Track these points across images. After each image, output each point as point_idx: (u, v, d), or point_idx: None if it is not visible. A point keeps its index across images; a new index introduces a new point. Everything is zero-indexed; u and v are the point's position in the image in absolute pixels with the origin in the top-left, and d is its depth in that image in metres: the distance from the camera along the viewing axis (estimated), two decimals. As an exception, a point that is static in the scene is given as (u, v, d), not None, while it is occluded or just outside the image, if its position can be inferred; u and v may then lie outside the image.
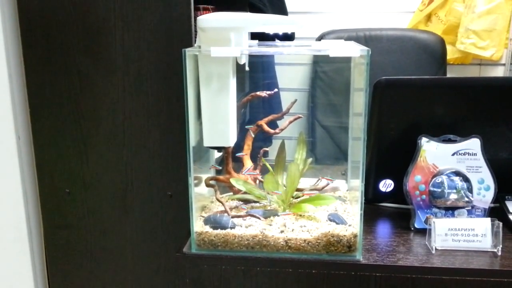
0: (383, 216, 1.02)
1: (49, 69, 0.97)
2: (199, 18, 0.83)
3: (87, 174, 1.02)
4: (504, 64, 2.17)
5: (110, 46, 0.96)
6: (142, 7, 0.93)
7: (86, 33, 0.95)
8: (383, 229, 0.96)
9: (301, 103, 2.15)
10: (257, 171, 0.95)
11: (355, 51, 0.77)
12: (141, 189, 1.02)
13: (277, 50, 0.87)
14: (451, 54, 2.12)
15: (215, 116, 0.87)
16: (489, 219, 0.86)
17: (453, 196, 0.92)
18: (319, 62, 2.04)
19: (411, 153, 0.95)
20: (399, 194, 0.96)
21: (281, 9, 1.67)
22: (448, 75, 2.13)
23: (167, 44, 0.95)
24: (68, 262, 1.07)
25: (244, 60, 0.89)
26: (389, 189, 1.03)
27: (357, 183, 0.85)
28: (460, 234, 0.86)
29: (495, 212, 0.95)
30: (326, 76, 2.13)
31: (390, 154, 1.01)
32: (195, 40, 0.95)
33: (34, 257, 1.07)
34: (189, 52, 0.79)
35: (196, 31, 0.88)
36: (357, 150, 0.94)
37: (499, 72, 2.19)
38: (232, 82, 0.87)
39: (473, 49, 2.05)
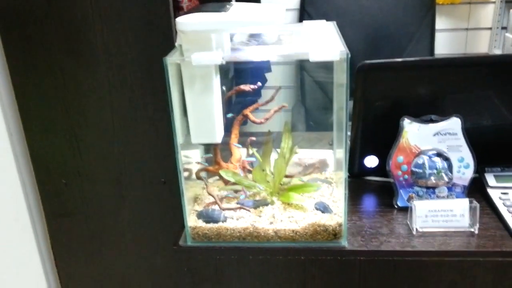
0: (368, 191, 1.07)
1: (32, 68, 0.98)
2: (178, 20, 0.82)
3: (81, 165, 1.06)
4: (494, 2, 2.14)
5: (91, 43, 0.95)
6: (121, 3, 0.92)
7: (65, 31, 0.95)
8: (368, 208, 1.00)
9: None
10: (247, 159, 0.98)
11: (335, 54, 0.77)
12: (134, 177, 1.06)
13: (258, 54, 0.86)
14: (441, -6, 2.09)
15: (201, 115, 0.89)
16: (467, 200, 0.91)
17: (434, 177, 0.96)
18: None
19: (395, 130, 0.97)
20: (383, 169, 0.99)
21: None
22: (437, 16, 2.11)
23: (147, 37, 0.95)
24: (72, 247, 1.13)
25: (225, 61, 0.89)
26: (373, 165, 1.07)
27: (341, 154, 0.87)
28: (440, 215, 0.91)
29: (475, 183, 0.99)
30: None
31: (375, 132, 1.03)
32: (175, 32, 0.94)
33: (40, 245, 1.13)
34: (170, 61, 0.79)
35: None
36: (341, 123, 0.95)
37: (489, 11, 2.16)
38: (216, 81, 0.88)
39: (463, -10, 2.02)
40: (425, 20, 2.10)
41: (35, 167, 1.06)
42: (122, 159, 1.03)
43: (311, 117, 2.04)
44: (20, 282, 1.18)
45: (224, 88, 1.04)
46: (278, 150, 1.00)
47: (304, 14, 2.10)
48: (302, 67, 2.05)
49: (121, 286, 1.16)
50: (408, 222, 0.93)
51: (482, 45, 2.22)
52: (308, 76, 2.09)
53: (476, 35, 2.21)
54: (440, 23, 2.17)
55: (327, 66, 0.99)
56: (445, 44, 2.22)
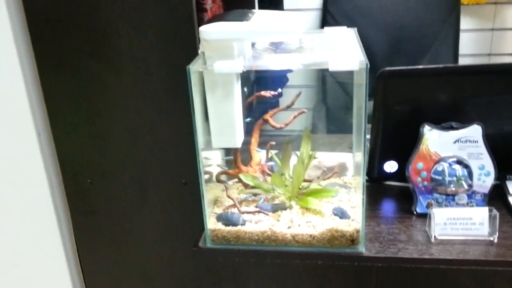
0: (387, 196, 1.07)
1: (62, 72, 1.01)
2: (201, 29, 0.84)
3: (106, 166, 1.09)
4: (522, 3, 2.10)
5: (118, 49, 0.98)
6: (146, 9, 0.94)
7: (94, 37, 0.97)
8: (386, 213, 1.01)
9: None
10: (266, 164, 1.00)
11: (354, 64, 0.78)
12: (156, 179, 1.09)
13: (278, 63, 0.87)
14: (466, -6, 2.06)
15: (222, 120, 0.90)
16: (486, 208, 0.90)
17: (453, 184, 0.96)
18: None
19: (415, 136, 0.97)
20: (402, 174, 0.99)
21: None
22: (462, 16, 2.08)
23: (171, 43, 0.97)
24: (95, 243, 1.17)
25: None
26: (393, 170, 1.07)
27: (360, 158, 0.88)
28: (459, 223, 0.91)
29: (496, 190, 0.99)
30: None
31: (395, 137, 1.03)
32: (199, 39, 0.96)
33: (65, 241, 1.17)
34: (193, 69, 0.81)
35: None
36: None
37: (515, 11, 2.12)
38: (237, 87, 0.89)
39: (489, -10, 1.99)
40: (449, 20, 2.07)
41: (62, 166, 1.10)
42: (145, 160, 1.06)
43: (332, 117, 2.04)
44: (45, 276, 1.22)
45: (245, 89, 1.05)
46: (298, 152, 1.01)
47: (327, 14, 2.10)
48: (324, 67, 2.04)
49: (142, 283, 1.19)
50: (427, 229, 0.93)
51: (508, 46, 2.18)
52: (329, 76, 2.08)
53: (501, 36, 2.17)
54: (465, 23, 2.13)
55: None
56: (469, 45, 2.19)
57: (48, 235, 1.16)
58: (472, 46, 2.20)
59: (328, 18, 2.10)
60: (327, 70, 0.81)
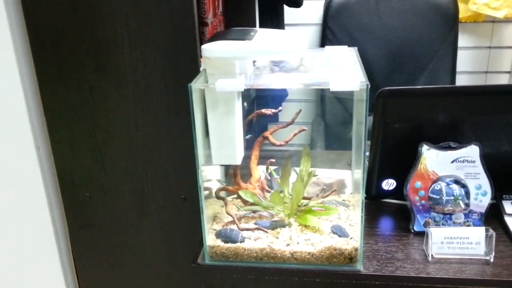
0: (385, 214, 1.08)
1: (62, 86, 1.01)
2: (204, 47, 0.85)
3: (105, 180, 1.09)
4: (518, 21, 2.13)
5: (119, 63, 0.99)
6: (148, 24, 0.95)
7: (95, 51, 0.98)
8: (384, 231, 1.01)
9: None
10: (266, 181, 1.01)
11: (355, 85, 0.79)
12: (156, 193, 1.09)
13: (279, 82, 0.88)
14: (463, 12, 2.09)
15: (222, 137, 0.91)
16: (483, 228, 0.91)
17: (451, 204, 0.96)
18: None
19: (413, 155, 0.98)
20: (401, 192, 1.00)
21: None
22: (460, 34, 2.11)
23: (173, 59, 0.97)
24: (93, 259, 1.17)
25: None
26: (391, 188, 1.08)
27: (359, 175, 0.89)
28: (456, 242, 0.92)
29: (492, 209, 0.99)
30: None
31: (393, 155, 1.04)
32: (201, 55, 0.97)
33: (62, 254, 1.17)
34: (195, 87, 0.82)
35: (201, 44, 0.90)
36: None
37: (512, 30, 2.15)
38: (238, 105, 0.90)
39: (486, 10, 2.02)
40: (448, 38, 2.10)
41: (61, 180, 1.10)
42: (144, 175, 1.07)
43: (331, 132, 2.05)
44: (42, 289, 1.22)
45: (245, 104, 1.06)
46: (297, 168, 1.01)
47: (326, 29, 2.12)
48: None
49: (139, 298, 1.19)
50: (424, 247, 0.94)
51: (505, 64, 2.21)
52: (329, 92, 2.09)
53: (498, 54, 2.20)
54: (463, 40, 2.16)
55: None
56: (467, 62, 2.22)
57: (46, 248, 1.16)
58: (470, 63, 2.23)
59: (327, 33, 2.12)
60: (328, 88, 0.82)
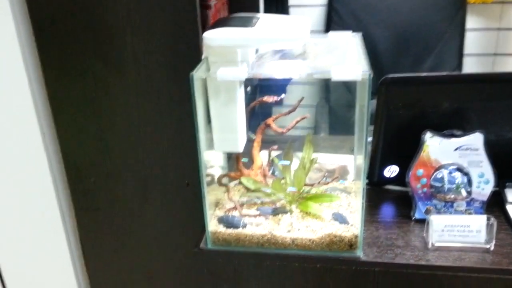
0: (386, 201, 1.08)
1: (66, 73, 1.02)
2: (205, 35, 0.84)
3: (109, 166, 1.10)
4: (528, 2, 2.09)
5: (121, 51, 0.99)
6: (149, 13, 0.95)
7: (98, 40, 0.98)
8: (385, 218, 1.02)
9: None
10: (268, 168, 1.01)
11: (357, 74, 0.79)
12: (159, 179, 1.10)
13: (281, 71, 0.88)
14: (472, -7, 2.06)
15: (224, 125, 0.92)
16: (484, 216, 0.91)
17: (452, 192, 0.96)
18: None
19: (416, 142, 0.98)
20: (403, 178, 1.00)
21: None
22: (468, 15, 2.07)
23: (175, 47, 0.97)
24: (99, 240, 1.19)
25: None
26: (393, 175, 1.08)
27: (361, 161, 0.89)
28: (456, 230, 0.92)
29: (495, 197, 0.99)
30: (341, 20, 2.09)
31: (396, 142, 1.04)
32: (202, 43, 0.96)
33: (69, 237, 1.19)
34: (196, 76, 0.82)
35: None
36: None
37: (522, 11, 2.12)
38: (240, 93, 0.90)
39: (495, -10, 1.98)
40: (456, 19, 2.07)
41: (66, 166, 1.11)
42: (147, 161, 1.07)
43: (335, 115, 2.04)
44: (49, 272, 1.24)
45: (248, 89, 1.06)
46: (299, 153, 1.01)
47: (332, 10, 2.10)
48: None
49: (145, 281, 1.21)
50: (425, 235, 0.94)
51: (513, 46, 2.18)
52: (334, 74, 2.08)
53: (507, 36, 2.16)
54: (471, 22, 2.13)
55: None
56: (475, 44, 2.19)
57: (53, 231, 1.18)
58: (478, 45, 2.20)
59: (333, 15, 2.10)
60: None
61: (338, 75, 0.78)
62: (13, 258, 1.24)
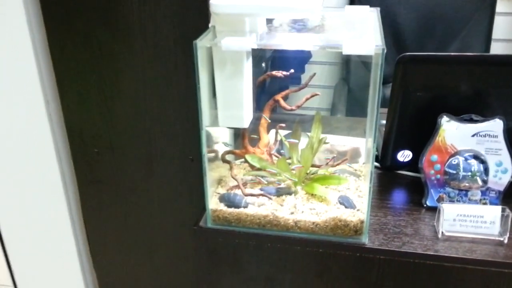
0: (397, 186, 1.04)
1: (71, 40, 0.99)
2: (212, 2, 0.80)
3: (113, 137, 1.08)
4: None
5: (128, 18, 0.95)
6: (157, -21, 0.91)
7: (104, 5, 0.95)
8: (395, 204, 0.98)
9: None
10: (276, 146, 0.97)
11: (370, 49, 0.74)
12: (163, 153, 1.07)
13: (291, 42, 0.83)
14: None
15: (230, 99, 0.88)
16: (499, 207, 0.87)
17: (467, 180, 0.92)
18: None
19: (432, 126, 0.93)
20: (416, 164, 0.96)
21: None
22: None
23: (183, 15, 0.93)
24: (101, 213, 1.17)
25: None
26: (407, 159, 1.04)
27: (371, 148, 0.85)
28: (469, 220, 0.87)
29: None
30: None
31: (411, 125, 0.99)
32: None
33: (71, 207, 1.17)
34: (200, 44, 0.78)
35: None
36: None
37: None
38: (247, 65, 0.86)
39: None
40: (485, 1, 1.98)
41: (70, 135, 1.09)
42: (152, 133, 1.05)
43: (353, 97, 1.99)
44: (51, 242, 1.23)
45: (263, 65, 1.02)
46: (309, 133, 0.98)
47: (355, -12, 2.02)
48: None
49: (146, 255, 1.19)
50: (435, 224, 0.90)
51: (545, 32, 2.08)
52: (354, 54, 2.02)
53: (539, 21, 2.07)
54: (502, 5, 2.03)
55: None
56: (504, 29, 2.09)
57: (55, 201, 1.17)
58: (507, 30, 2.10)
59: (355, -9, 2.02)
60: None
61: (349, 49, 0.74)
62: (14, 229, 1.23)
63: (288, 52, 0.94)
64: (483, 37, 2.01)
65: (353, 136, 1.19)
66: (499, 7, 2.00)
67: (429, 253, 0.84)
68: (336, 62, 2.16)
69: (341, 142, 1.15)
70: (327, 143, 0.96)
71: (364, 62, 1.95)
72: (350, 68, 2.06)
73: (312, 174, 0.95)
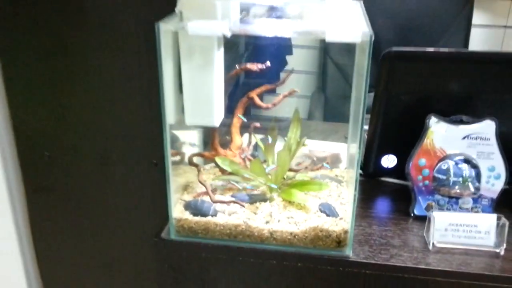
0: (382, 194, 0.96)
1: (17, 27, 0.88)
2: (178, -18, 0.71)
3: (66, 138, 0.97)
4: (538, -1, 1.99)
5: (83, 5, 0.85)
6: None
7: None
8: (380, 213, 0.90)
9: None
10: (249, 148, 0.88)
11: (356, 36, 0.65)
12: (123, 156, 0.97)
13: (267, 28, 0.75)
14: (480, -13, 1.95)
15: (198, 94, 0.78)
16: (494, 216, 0.79)
17: (458, 186, 0.84)
18: None
19: (419, 129, 0.86)
20: (401, 170, 0.88)
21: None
22: (475, 10, 1.97)
23: (146, 1, 0.84)
24: (52, 226, 1.06)
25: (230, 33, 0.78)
26: (391, 165, 0.96)
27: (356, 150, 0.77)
28: (462, 230, 0.80)
29: (505, 196, 0.87)
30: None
31: (396, 128, 0.92)
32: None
33: (17, 220, 1.05)
34: (164, 27, 0.68)
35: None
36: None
37: (532, 8, 2.01)
38: (218, 55, 0.77)
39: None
40: (462, 13, 1.97)
41: (17, 136, 0.98)
42: (111, 134, 0.94)
43: (331, 106, 1.93)
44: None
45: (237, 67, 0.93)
46: (286, 138, 0.89)
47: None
48: (326, 51, 1.92)
49: (102, 273, 1.07)
50: (425, 234, 0.82)
51: (521, 44, 2.07)
52: (331, 63, 1.97)
53: (515, 34, 2.06)
54: (477, 18, 2.03)
55: (353, 51, 0.89)
56: (480, 41, 2.08)
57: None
58: (483, 42, 2.09)
59: None
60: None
61: (333, 35, 0.65)
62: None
63: (266, 43, 0.85)
64: (459, 48, 1.99)
65: (332, 141, 1.11)
66: (476, 20, 1.99)
67: (420, 266, 0.76)
68: (312, 71, 2.09)
69: (319, 147, 1.07)
70: (305, 145, 0.87)
71: (342, 69, 1.90)
72: (327, 77, 2.01)
73: (290, 179, 0.86)
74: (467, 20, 1.97)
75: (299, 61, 2.01)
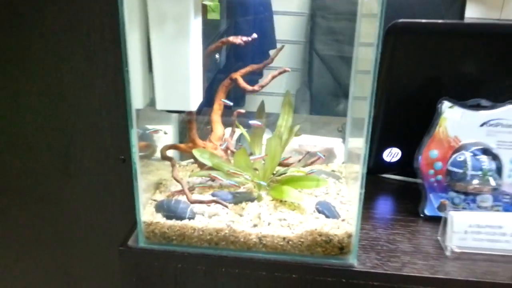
0: (387, 193, 0.86)
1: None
2: None
3: (21, 132, 0.84)
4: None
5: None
6: None
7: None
8: (384, 214, 0.78)
9: (297, 29, 1.95)
10: (232, 138, 0.75)
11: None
12: (85, 151, 0.85)
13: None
14: (473, -20, 1.89)
15: (171, 72, 0.65)
16: (522, 214, 0.68)
17: (477, 180, 0.74)
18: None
19: (426, 117, 0.77)
20: (406, 165, 0.79)
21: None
22: (468, 3, 1.92)
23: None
24: (3, 232, 0.92)
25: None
26: (395, 159, 0.86)
27: (357, 143, 0.68)
28: (484, 233, 0.69)
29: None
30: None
31: (401, 117, 0.83)
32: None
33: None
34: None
35: None
36: (359, 109, 0.75)
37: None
38: (195, 24, 0.64)
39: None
40: (454, 6, 1.91)
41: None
42: (71, 126, 0.84)
43: (317, 102, 1.83)
44: None
45: (217, 56, 0.84)
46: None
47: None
48: (311, 44, 1.83)
49: (63, 284, 0.95)
50: (439, 238, 0.72)
51: (515, 38, 2.01)
52: (317, 58, 1.87)
53: (509, 27, 2.00)
54: (470, 11, 1.97)
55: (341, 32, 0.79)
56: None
57: None
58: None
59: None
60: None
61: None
62: None
63: (248, 48, 0.73)
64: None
65: (324, 134, 1.00)
66: (468, 13, 1.96)
67: (439, 276, 0.64)
68: (297, 68, 2.00)
69: (310, 141, 0.96)
70: (298, 134, 0.75)
71: (328, 63, 1.81)
72: (312, 73, 1.91)
73: (280, 175, 0.73)
74: (459, 13, 1.91)
75: (285, 57, 1.91)
